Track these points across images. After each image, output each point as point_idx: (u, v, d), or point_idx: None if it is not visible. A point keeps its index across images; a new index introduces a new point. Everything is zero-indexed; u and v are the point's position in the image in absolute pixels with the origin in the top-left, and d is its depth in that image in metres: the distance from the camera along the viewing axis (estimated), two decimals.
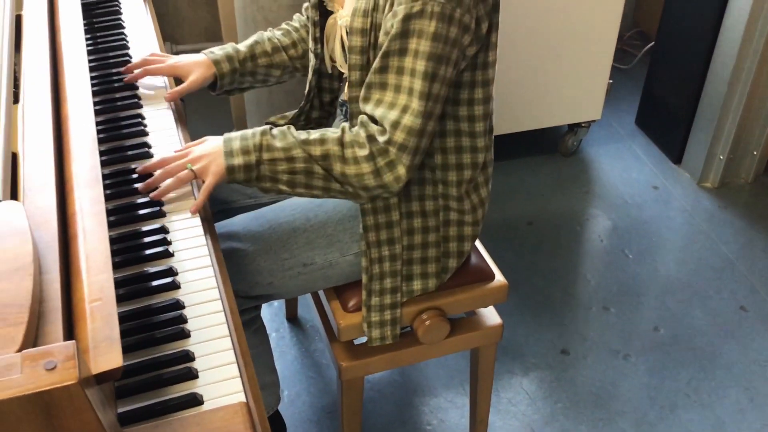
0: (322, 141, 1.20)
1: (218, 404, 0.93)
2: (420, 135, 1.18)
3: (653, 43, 2.78)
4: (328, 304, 1.45)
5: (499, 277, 1.50)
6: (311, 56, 1.44)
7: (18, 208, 0.83)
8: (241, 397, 0.94)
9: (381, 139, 1.17)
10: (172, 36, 2.94)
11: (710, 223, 2.43)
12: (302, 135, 1.21)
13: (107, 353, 0.75)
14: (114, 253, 1.12)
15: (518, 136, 2.61)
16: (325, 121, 1.56)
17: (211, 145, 1.22)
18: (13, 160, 0.97)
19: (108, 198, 1.21)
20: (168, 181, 1.21)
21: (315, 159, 1.19)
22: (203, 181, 1.22)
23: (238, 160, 1.19)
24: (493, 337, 1.55)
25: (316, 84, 1.47)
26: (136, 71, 1.47)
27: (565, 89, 2.53)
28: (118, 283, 1.08)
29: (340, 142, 1.20)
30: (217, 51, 1.50)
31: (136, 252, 1.14)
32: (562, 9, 2.36)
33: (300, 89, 2.31)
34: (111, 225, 1.16)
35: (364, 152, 1.18)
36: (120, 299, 1.06)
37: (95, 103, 1.40)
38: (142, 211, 1.21)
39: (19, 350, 0.68)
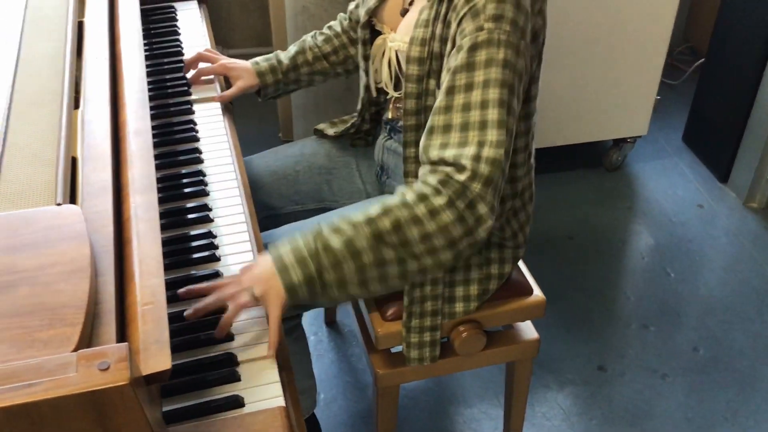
0: (386, 212, 1.07)
1: (258, 408, 0.96)
2: (501, 169, 1.09)
3: (703, 59, 2.75)
4: (368, 313, 1.47)
5: (538, 293, 1.51)
6: (362, 73, 1.47)
7: (77, 212, 0.87)
8: (281, 402, 0.97)
9: (460, 177, 1.07)
10: (224, 40, 3.00)
11: (755, 244, 2.40)
12: (359, 216, 1.08)
13: (157, 356, 0.78)
14: (164, 255, 1.16)
15: (562, 149, 2.61)
16: (374, 132, 1.59)
17: (263, 266, 1.07)
18: (72, 164, 1.01)
19: (158, 201, 1.25)
20: (229, 311, 1.05)
21: (384, 237, 1.06)
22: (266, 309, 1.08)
23: (296, 276, 1.04)
24: (529, 351, 1.55)
25: (367, 99, 1.50)
26: (191, 74, 1.53)
27: (612, 103, 2.52)
28: (166, 285, 1.11)
29: (405, 204, 1.08)
30: (262, 62, 1.55)
31: (184, 255, 1.18)
32: (612, 22, 2.35)
33: (345, 95, 2.35)
34: (162, 228, 1.20)
35: (440, 201, 1.07)
36: (167, 301, 1.09)
37: (150, 109, 1.45)
38: (191, 216, 1.25)
39: (75, 350, 0.72)
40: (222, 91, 1.56)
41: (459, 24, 1.13)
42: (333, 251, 1.05)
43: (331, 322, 2.11)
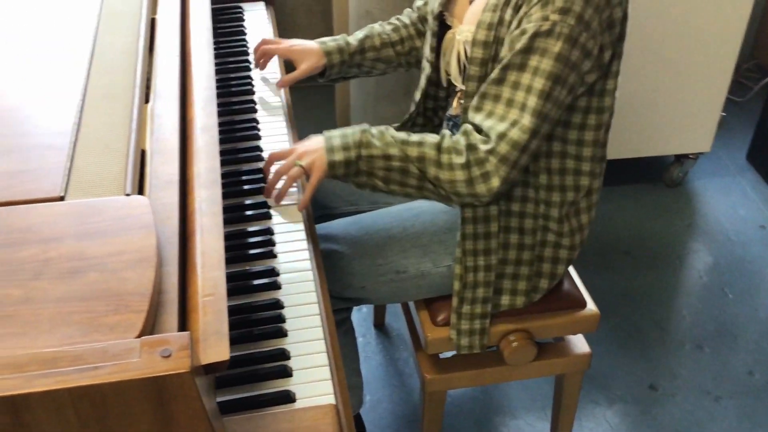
0: (420, 143, 1.24)
1: (309, 404, 0.98)
2: (523, 151, 1.20)
3: None
4: (418, 316, 1.48)
5: (591, 306, 1.49)
6: (425, 64, 1.48)
7: (144, 203, 0.89)
8: (332, 400, 0.98)
9: (483, 147, 1.20)
10: None
11: None
12: (401, 135, 1.25)
13: (216, 346, 0.80)
14: (227, 249, 1.19)
15: (622, 162, 2.57)
16: (428, 130, 1.59)
17: (314, 142, 1.27)
18: (142, 156, 1.04)
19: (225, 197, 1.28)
20: (281, 183, 1.28)
21: (411, 159, 1.23)
22: (308, 178, 1.28)
23: (338, 156, 1.23)
24: (579, 365, 1.54)
25: (427, 91, 1.50)
26: (258, 56, 1.59)
27: (675, 118, 2.48)
28: (227, 278, 1.14)
29: (438, 147, 1.23)
30: (330, 42, 1.56)
31: (241, 251, 1.20)
32: (680, 36, 2.31)
33: (404, 98, 2.36)
34: (228, 221, 1.23)
35: (460, 160, 1.21)
36: (228, 293, 1.12)
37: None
38: (249, 212, 1.28)
39: (138, 336, 0.74)
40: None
41: (529, 9, 1.18)
42: (371, 147, 1.24)
43: (379, 324, 2.12)
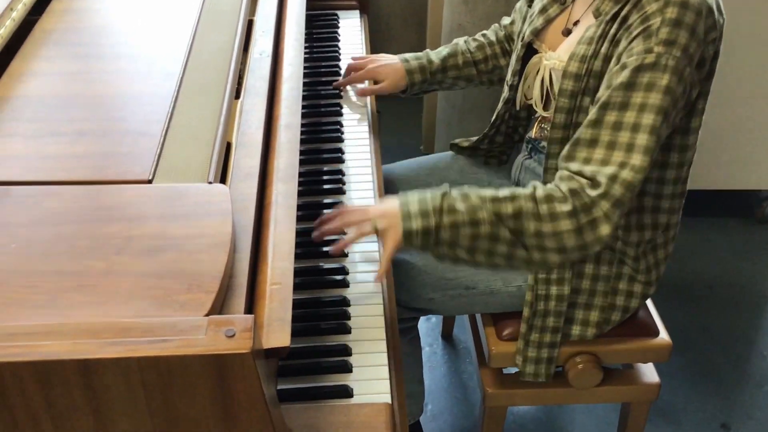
0: (512, 198, 1.13)
1: (365, 401, 1.00)
2: (634, 193, 1.12)
3: None
4: (484, 329, 1.48)
5: (663, 336, 1.46)
6: (505, 87, 1.48)
7: (225, 192, 0.94)
8: (387, 399, 1.00)
9: (592, 193, 1.11)
10: (380, 51, 3.08)
11: None
12: (488, 192, 1.14)
13: (278, 332, 0.83)
14: (297, 245, 1.22)
15: (712, 193, 2.49)
16: (508, 149, 1.59)
17: (390, 206, 1.15)
18: (228, 148, 1.09)
19: (300, 194, 1.32)
20: (350, 234, 1.17)
21: (504, 219, 1.11)
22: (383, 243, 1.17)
23: (416, 224, 1.11)
24: (647, 394, 1.50)
25: (504, 112, 1.51)
26: (343, 81, 1.61)
27: None
28: (296, 273, 1.18)
29: (533, 197, 1.13)
30: (412, 60, 1.57)
31: (315, 246, 1.24)
32: None
33: (487, 107, 2.36)
34: (298, 219, 1.26)
35: (564, 207, 1.11)
36: (295, 287, 1.15)
37: (302, 107, 1.53)
38: (327, 211, 1.31)
39: (207, 315, 0.78)
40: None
41: (629, 42, 1.14)
42: (455, 213, 1.11)
43: (447, 335, 2.13)
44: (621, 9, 1.20)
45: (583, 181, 1.12)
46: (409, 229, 1.12)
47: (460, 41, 1.61)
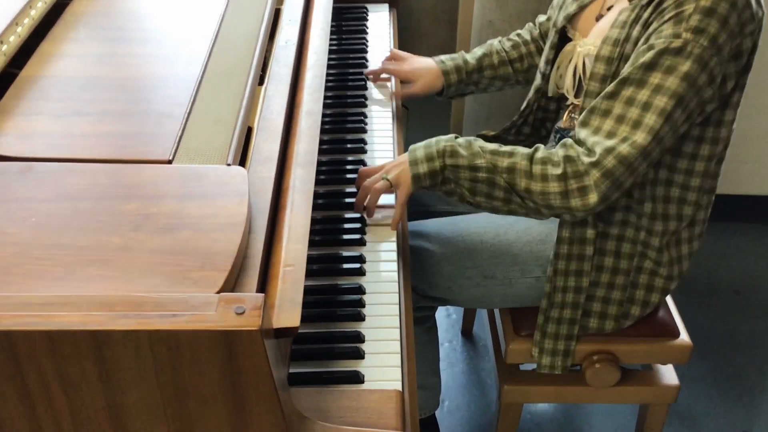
0: (510, 154, 1.20)
1: (375, 387, 1.00)
2: (630, 170, 1.16)
3: None
4: (501, 324, 1.47)
5: (684, 337, 1.44)
6: (538, 75, 1.47)
7: (242, 174, 0.95)
8: (398, 386, 1.00)
9: (585, 160, 1.16)
10: (409, 48, 3.07)
11: None
12: (491, 145, 1.22)
13: (288, 313, 0.84)
14: (316, 232, 1.24)
15: (738, 198, 2.45)
16: (534, 142, 1.58)
17: (401, 157, 1.27)
18: (249, 133, 1.10)
19: (321, 183, 1.33)
20: (371, 197, 1.26)
21: (499, 171, 1.19)
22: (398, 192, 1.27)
23: (423, 168, 1.22)
24: (665, 396, 1.48)
25: (534, 101, 1.50)
26: (377, 69, 1.61)
27: None
28: (314, 259, 1.19)
29: (530, 157, 1.20)
30: (448, 61, 1.57)
31: (334, 235, 1.24)
32: None
33: (515, 107, 2.34)
34: (319, 207, 1.28)
35: (555, 171, 1.17)
36: (313, 273, 1.16)
37: (327, 98, 1.54)
38: (348, 200, 1.32)
39: (218, 292, 0.79)
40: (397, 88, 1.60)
41: (660, 25, 1.15)
42: (457, 156, 1.21)
43: (467, 331, 2.12)
44: None
45: (580, 149, 1.17)
46: (417, 173, 1.22)
47: (494, 42, 1.61)
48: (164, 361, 0.76)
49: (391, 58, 1.62)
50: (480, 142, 1.23)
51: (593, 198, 1.16)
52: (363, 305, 1.12)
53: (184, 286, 0.79)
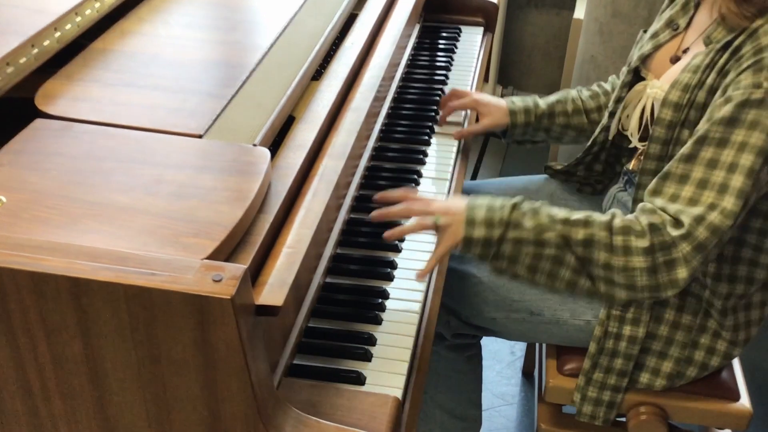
0: (586, 223, 1.06)
1: (375, 391, 0.96)
2: (720, 238, 1.04)
3: None
4: (546, 360, 1.39)
5: (744, 402, 1.31)
6: (606, 113, 1.40)
7: (265, 155, 0.95)
8: (398, 394, 0.96)
9: (674, 232, 1.03)
10: (517, 82, 3.04)
11: None
12: (562, 213, 1.08)
13: (275, 292, 0.82)
14: (353, 233, 1.21)
15: None
16: (606, 179, 1.50)
17: (456, 205, 1.10)
18: (291, 121, 1.11)
19: (369, 187, 1.31)
20: (409, 223, 1.13)
21: (572, 244, 1.05)
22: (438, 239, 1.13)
23: (478, 233, 1.07)
24: None
25: (603, 140, 1.42)
26: (444, 111, 1.50)
27: None
28: (347, 259, 1.17)
29: (609, 226, 1.06)
30: (518, 101, 1.48)
31: (370, 238, 1.21)
32: None
33: None
34: (359, 209, 1.25)
35: (641, 243, 1.04)
36: (342, 273, 1.14)
37: (405, 108, 1.52)
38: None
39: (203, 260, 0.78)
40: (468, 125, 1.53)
41: (738, 74, 1.06)
42: (521, 229, 1.06)
43: (528, 373, 2.03)
44: (735, 38, 1.10)
45: (666, 218, 1.05)
46: (470, 236, 1.07)
47: (571, 90, 1.52)
48: (139, 321, 0.75)
49: (451, 95, 1.50)
50: (548, 209, 1.09)
51: (683, 273, 1.03)
52: (383, 309, 1.09)
53: (174, 249, 0.79)
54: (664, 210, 1.06)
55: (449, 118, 1.52)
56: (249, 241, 0.86)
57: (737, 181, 1.03)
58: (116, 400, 0.82)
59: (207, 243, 0.80)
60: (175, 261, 0.76)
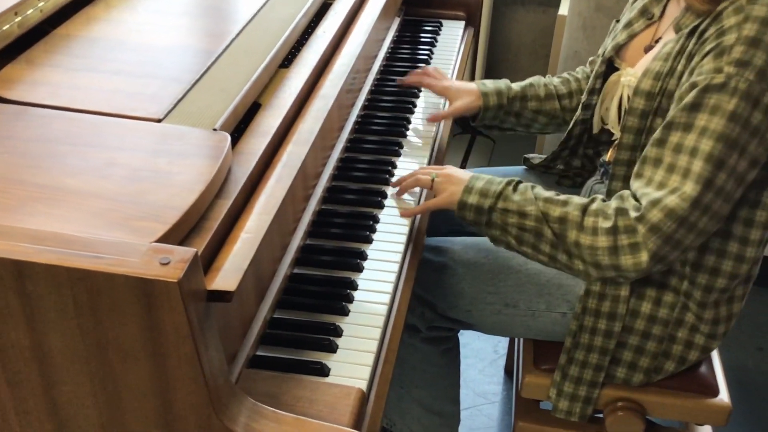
0: (564, 203, 1.11)
1: (339, 382, 0.93)
2: (683, 224, 1.03)
3: None
4: (522, 355, 1.37)
5: (723, 397, 1.28)
6: (580, 105, 1.38)
7: (225, 140, 0.92)
8: (363, 385, 0.93)
9: (632, 214, 1.05)
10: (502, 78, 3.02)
11: None
12: (547, 193, 1.14)
13: (228, 277, 0.79)
14: (324, 224, 1.19)
15: None
16: (585, 172, 1.48)
17: (461, 173, 1.21)
18: (257, 108, 1.08)
19: (342, 178, 1.28)
20: (408, 180, 1.24)
21: (549, 220, 1.11)
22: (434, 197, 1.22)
23: (472, 199, 1.16)
24: None
25: (581, 133, 1.40)
26: (412, 78, 1.50)
27: None
28: (315, 250, 1.14)
29: (584, 208, 1.10)
30: (489, 84, 1.45)
31: (343, 229, 1.19)
32: None
33: None
34: (337, 201, 1.23)
35: (606, 224, 1.07)
36: (311, 263, 1.11)
37: (381, 101, 1.50)
38: (372, 198, 1.26)
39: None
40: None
41: (702, 59, 1.05)
42: (509, 201, 1.14)
43: (511, 371, 2.00)
44: (701, 23, 1.09)
45: (633, 202, 1.07)
46: (464, 201, 1.16)
47: (541, 77, 1.49)
48: (84, 306, 0.73)
49: (430, 73, 1.50)
50: (538, 189, 1.15)
51: (643, 256, 1.04)
52: (351, 300, 1.06)
53: (122, 232, 0.77)
54: (635, 194, 1.08)
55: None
56: (205, 226, 0.83)
57: (697, 166, 1.02)
58: (65, 389, 0.79)
59: (157, 226, 0.77)
60: (122, 244, 0.73)
